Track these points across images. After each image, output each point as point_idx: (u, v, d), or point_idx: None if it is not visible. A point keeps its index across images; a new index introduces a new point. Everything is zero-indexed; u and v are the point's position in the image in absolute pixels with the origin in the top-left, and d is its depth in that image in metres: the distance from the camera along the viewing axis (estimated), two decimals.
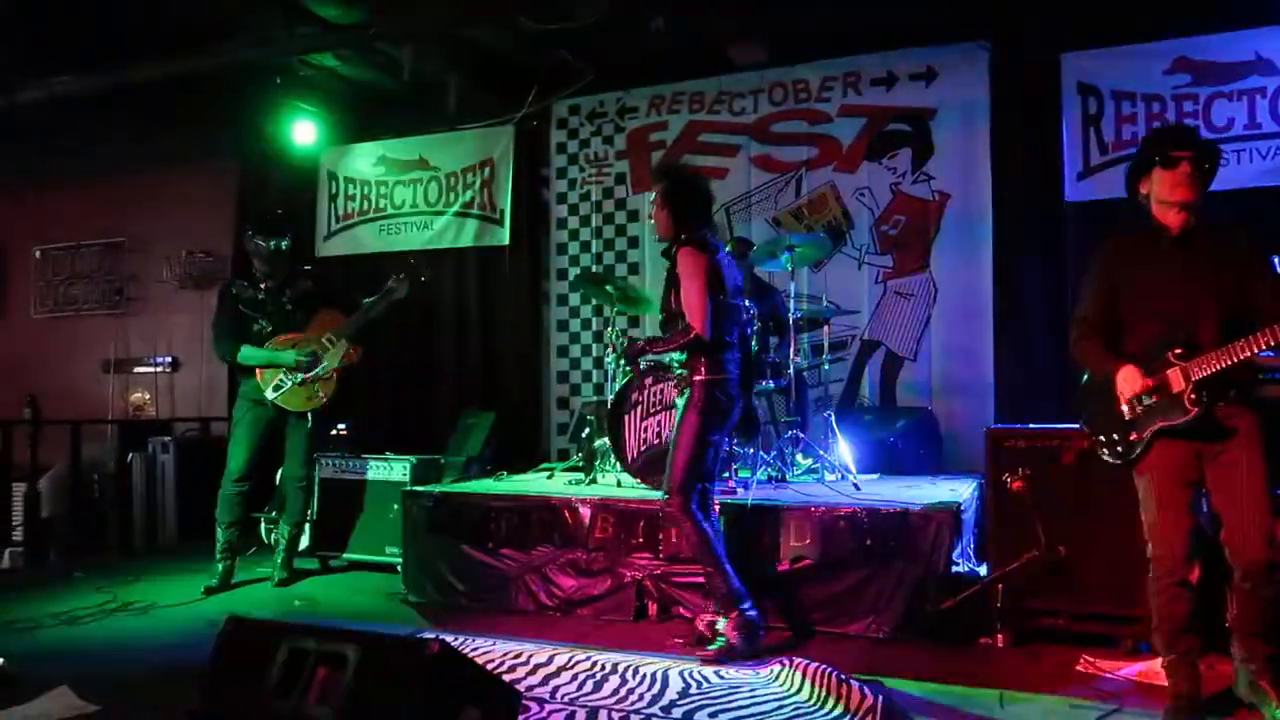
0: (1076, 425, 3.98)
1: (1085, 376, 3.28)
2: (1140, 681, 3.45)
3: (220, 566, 5.18)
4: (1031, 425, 4.18)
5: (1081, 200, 5.70)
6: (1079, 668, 3.61)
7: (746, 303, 4.72)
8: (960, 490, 4.68)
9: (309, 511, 5.58)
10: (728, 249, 4.36)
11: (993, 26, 5.94)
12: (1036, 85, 5.83)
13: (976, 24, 5.96)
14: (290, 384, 5.19)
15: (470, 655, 3.53)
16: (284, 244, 5.28)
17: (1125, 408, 3.06)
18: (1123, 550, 3.76)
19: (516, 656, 3.80)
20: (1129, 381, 3.02)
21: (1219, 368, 2.87)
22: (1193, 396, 2.92)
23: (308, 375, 5.19)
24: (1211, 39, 5.43)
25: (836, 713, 3.14)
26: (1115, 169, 5.61)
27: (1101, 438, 3.16)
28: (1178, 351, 2.95)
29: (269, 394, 5.15)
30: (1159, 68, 5.54)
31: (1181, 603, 3.02)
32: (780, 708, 3.22)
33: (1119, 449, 3.11)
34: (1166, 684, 3.14)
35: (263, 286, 5.31)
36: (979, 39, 5.98)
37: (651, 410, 4.97)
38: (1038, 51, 5.82)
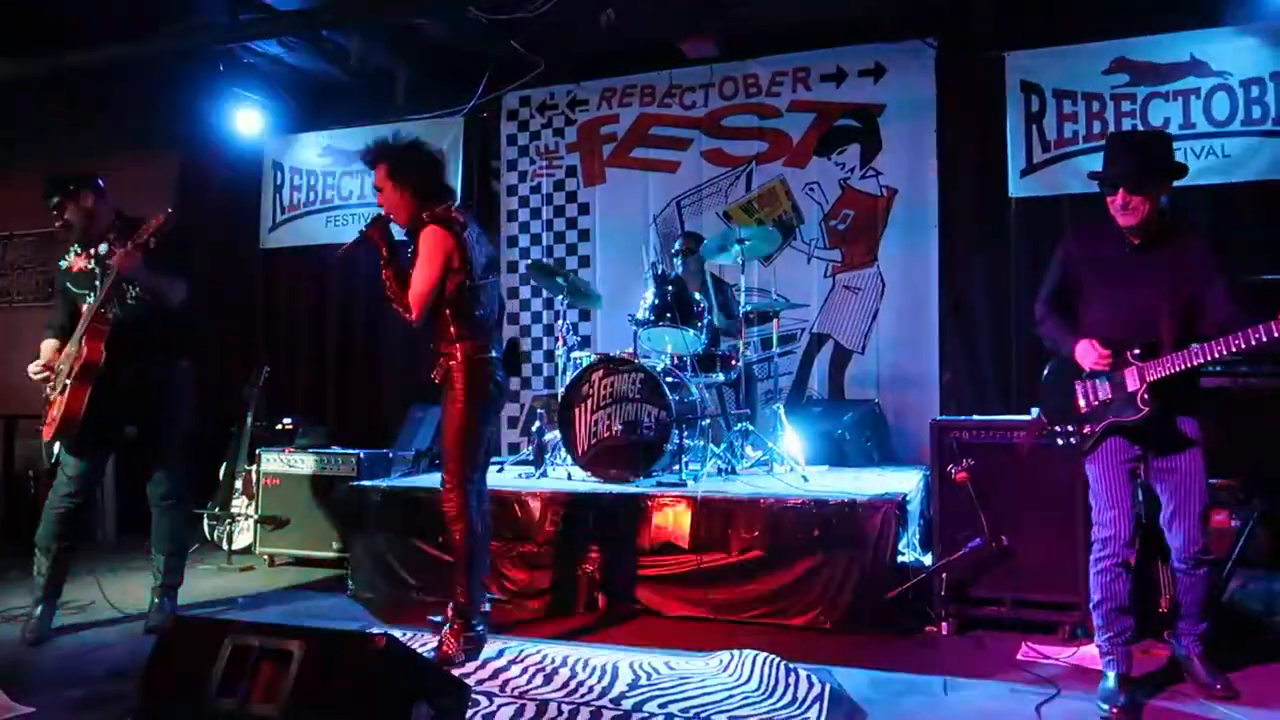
0: (1020, 418, 4.10)
1: (1046, 370, 3.40)
2: (1078, 666, 3.54)
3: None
4: (975, 417, 4.26)
5: (1025, 196, 5.81)
6: (1020, 654, 3.70)
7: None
8: (906, 481, 4.75)
9: (175, 540, 4.36)
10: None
11: (939, 24, 6.02)
12: (981, 83, 5.93)
13: (924, 22, 6.04)
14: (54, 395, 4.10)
15: (419, 650, 3.51)
16: (52, 201, 4.15)
17: (1082, 401, 3.20)
18: (1062, 540, 3.87)
19: None
20: (1086, 355, 3.15)
21: (1173, 371, 3.00)
22: (1145, 397, 3.05)
23: (49, 397, 4.12)
24: (1149, 40, 5.57)
25: (785, 701, 3.17)
26: (1057, 166, 5.74)
27: (1057, 428, 3.29)
28: (1136, 352, 3.07)
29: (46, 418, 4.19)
30: (1099, 67, 5.66)
31: (1121, 581, 3.18)
32: (729, 697, 3.24)
33: (1072, 440, 3.25)
34: (1100, 665, 3.25)
35: (98, 252, 4.22)
36: (926, 37, 6.06)
37: (602, 403, 4.96)
38: (983, 50, 5.92)
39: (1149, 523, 3.46)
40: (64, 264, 4.29)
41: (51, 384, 4.14)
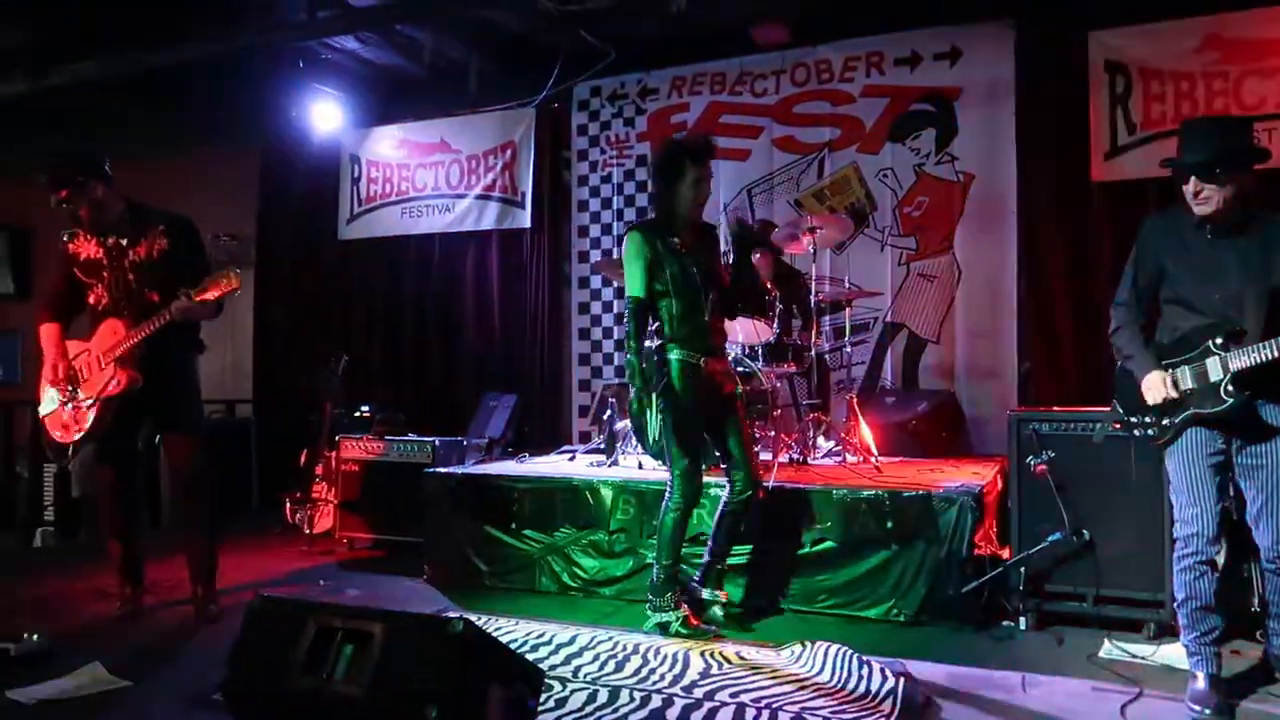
0: (1102, 409, 3.98)
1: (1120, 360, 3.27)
2: (1163, 666, 3.44)
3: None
4: (1055, 408, 4.15)
5: (1109, 180, 5.63)
6: (1101, 652, 3.60)
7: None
8: (983, 473, 4.66)
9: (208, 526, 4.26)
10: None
11: (1018, 4, 5.85)
12: (1063, 63, 5.76)
13: (1002, 1, 5.88)
14: (56, 399, 4.07)
15: (494, 634, 3.57)
16: (60, 197, 3.95)
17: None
18: (1146, 534, 3.76)
19: (539, 636, 3.84)
20: (1153, 389, 3.04)
21: (1259, 361, 2.85)
22: (1229, 388, 2.91)
23: (64, 399, 4.04)
24: (1242, 16, 5.32)
25: (858, 693, 3.15)
26: (1144, 148, 5.54)
27: (1134, 419, 3.16)
28: (1218, 341, 2.94)
29: (42, 407, 4.13)
30: (1188, 45, 5.44)
31: (1206, 580, 3.04)
32: (801, 688, 3.23)
33: (1150, 430, 3.11)
34: (1188, 666, 3.14)
35: (107, 242, 4.00)
36: (1004, 17, 5.90)
37: None
38: (1064, 29, 5.74)
39: (1239, 518, 3.32)
40: (72, 247, 4.09)
41: (68, 393, 4.03)
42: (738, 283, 4.01)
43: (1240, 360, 2.88)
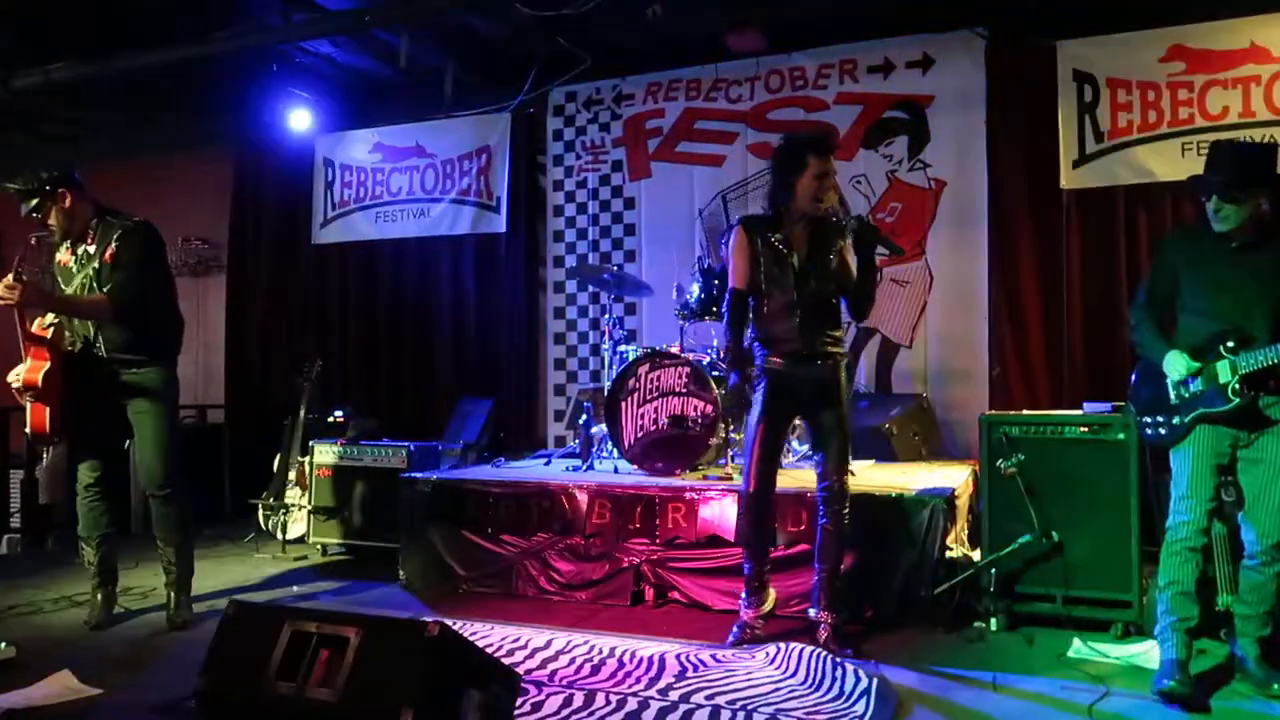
0: (1072, 413, 4.05)
1: (1139, 362, 3.42)
2: (1131, 665, 3.50)
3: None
4: (1026, 412, 4.21)
5: (1078, 188, 5.72)
6: (1071, 652, 3.66)
7: None
8: (954, 477, 4.71)
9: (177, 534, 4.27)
10: None
11: (990, 14, 5.93)
12: (1033, 73, 5.84)
13: (974, 11, 5.96)
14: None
15: (470, 639, 3.57)
16: (30, 206, 4.03)
17: (1172, 393, 3.22)
18: (1115, 536, 3.83)
19: (515, 640, 3.84)
20: (1174, 366, 3.19)
21: (1266, 364, 3.02)
22: (1236, 388, 3.07)
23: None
24: (1206, 26, 5.43)
25: (831, 695, 3.18)
26: (1112, 156, 5.63)
27: (1146, 418, 3.32)
28: (1229, 345, 3.10)
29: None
30: (1154, 55, 5.54)
31: (1191, 565, 3.20)
32: (776, 689, 3.25)
33: (1161, 430, 3.27)
34: (1158, 653, 3.24)
35: (77, 250, 4.12)
36: (976, 26, 5.98)
37: (648, 397, 4.99)
38: (1034, 39, 5.82)
39: (1222, 519, 3.45)
40: (58, 257, 4.20)
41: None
42: (864, 282, 3.82)
43: (1249, 363, 3.04)
